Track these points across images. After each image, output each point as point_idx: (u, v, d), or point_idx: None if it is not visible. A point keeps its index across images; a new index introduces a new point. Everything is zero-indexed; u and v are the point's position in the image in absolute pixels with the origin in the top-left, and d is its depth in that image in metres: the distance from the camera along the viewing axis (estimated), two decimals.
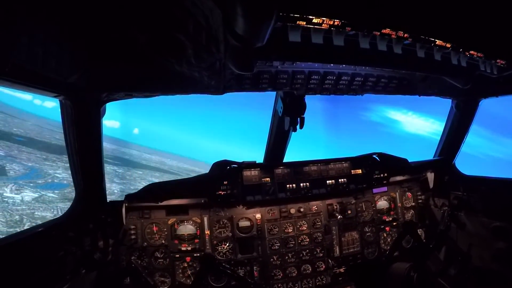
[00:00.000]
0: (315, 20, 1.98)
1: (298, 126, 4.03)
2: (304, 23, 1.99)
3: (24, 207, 34.76)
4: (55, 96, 2.82)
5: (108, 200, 3.86)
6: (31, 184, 40.69)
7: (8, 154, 49.06)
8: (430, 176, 5.40)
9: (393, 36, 2.31)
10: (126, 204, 4.03)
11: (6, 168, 43.70)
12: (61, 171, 45.45)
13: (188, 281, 4.26)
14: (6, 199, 36.41)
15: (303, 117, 4.00)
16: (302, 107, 3.96)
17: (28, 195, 38.10)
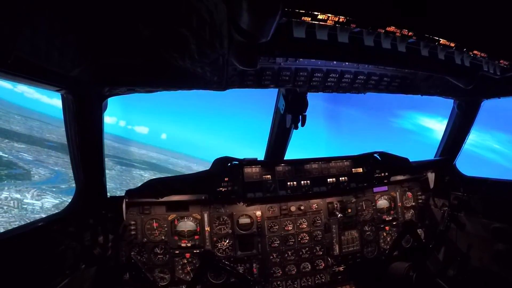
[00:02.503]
0: (320, 16, 1.97)
1: (299, 124, 4.04)
2: (309, 19, 1.98)
3: (42, 215, 34.82)
4: (57, 90, 2.81)
5: (108, 195, 3.86)
6: (54, 189, 40.85)
7: (36, 158, 49.69)
8: (431, 176, 5.41)
9: (398, 34, 2.29)
10: (127, 200, 4.03)
11: (32, 172, 44.03)
12: None
13: (188, 277, 4.26)
14: (25, 206, 36.24)
15: (305, 115, 4.01)
16: (304, 105, 3.97)
17: (49, 201, 37.90)
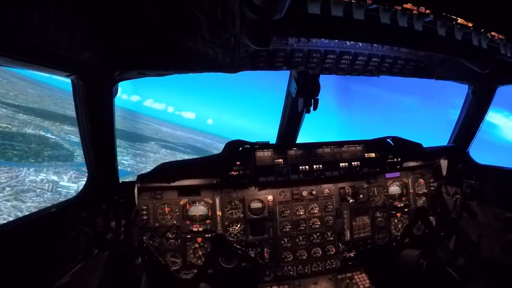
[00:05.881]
0: None
1: (311, 108, 4.00)
2: None
3: None
4: (67, 75, 2.80)
5: (120, 180, 3.89)
6: None
7: None
8: (444, 163, 5.34)
9: (415, 12, 2.25)
10: (138, 185, 4.06)
11: (75, 154, 44.06)
12: (128, 158, 44.74)
13: (199, 261, 4.29)
14: (60, 189, 36.08)
15: (317, 99, 3.96)
16: (316, 88, 3.92)
17: None
